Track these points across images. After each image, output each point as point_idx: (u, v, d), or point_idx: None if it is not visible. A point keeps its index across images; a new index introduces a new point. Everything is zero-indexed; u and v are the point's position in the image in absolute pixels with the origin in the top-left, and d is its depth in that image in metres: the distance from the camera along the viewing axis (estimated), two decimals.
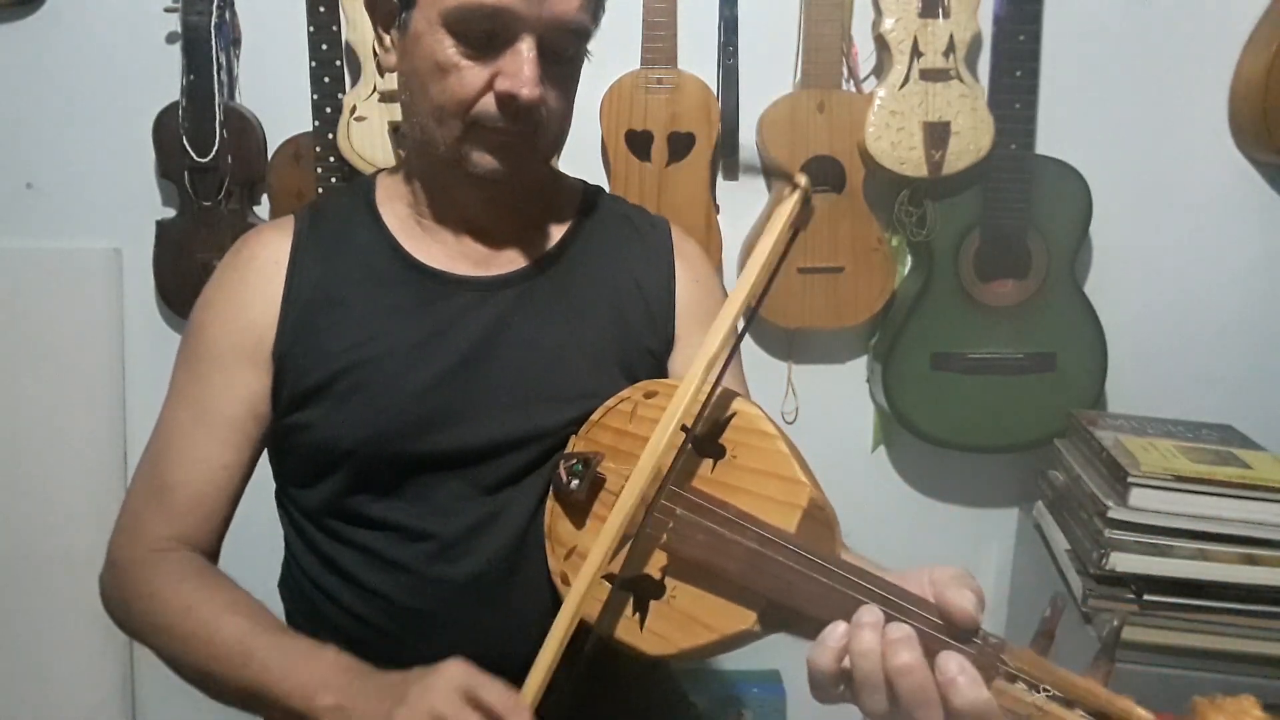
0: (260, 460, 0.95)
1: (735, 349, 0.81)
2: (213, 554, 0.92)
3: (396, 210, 0.95)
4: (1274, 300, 1.66)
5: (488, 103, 0.83)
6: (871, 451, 1.74)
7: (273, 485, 0.98)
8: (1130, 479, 1.27)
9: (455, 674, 0.70)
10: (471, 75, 0.82)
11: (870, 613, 0.63)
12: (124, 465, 1.69)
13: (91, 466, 1.67)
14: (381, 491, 0.88)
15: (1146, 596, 1.25)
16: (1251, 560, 1.25)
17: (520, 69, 0.81)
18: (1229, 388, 1.67)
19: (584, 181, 1.04)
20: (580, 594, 0.72)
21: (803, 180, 0.75)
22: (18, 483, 1.67)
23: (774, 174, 1.58)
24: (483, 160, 0.85)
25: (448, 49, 0.82)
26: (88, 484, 1.66)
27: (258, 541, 0.98)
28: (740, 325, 0.79)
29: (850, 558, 0.70)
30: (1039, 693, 0.57)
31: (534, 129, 0.85)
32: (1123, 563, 1.25)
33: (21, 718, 1.71)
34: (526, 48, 0.81)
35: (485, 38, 0.81)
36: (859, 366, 1.71)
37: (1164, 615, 1.25)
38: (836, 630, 0.64)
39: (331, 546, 0.90)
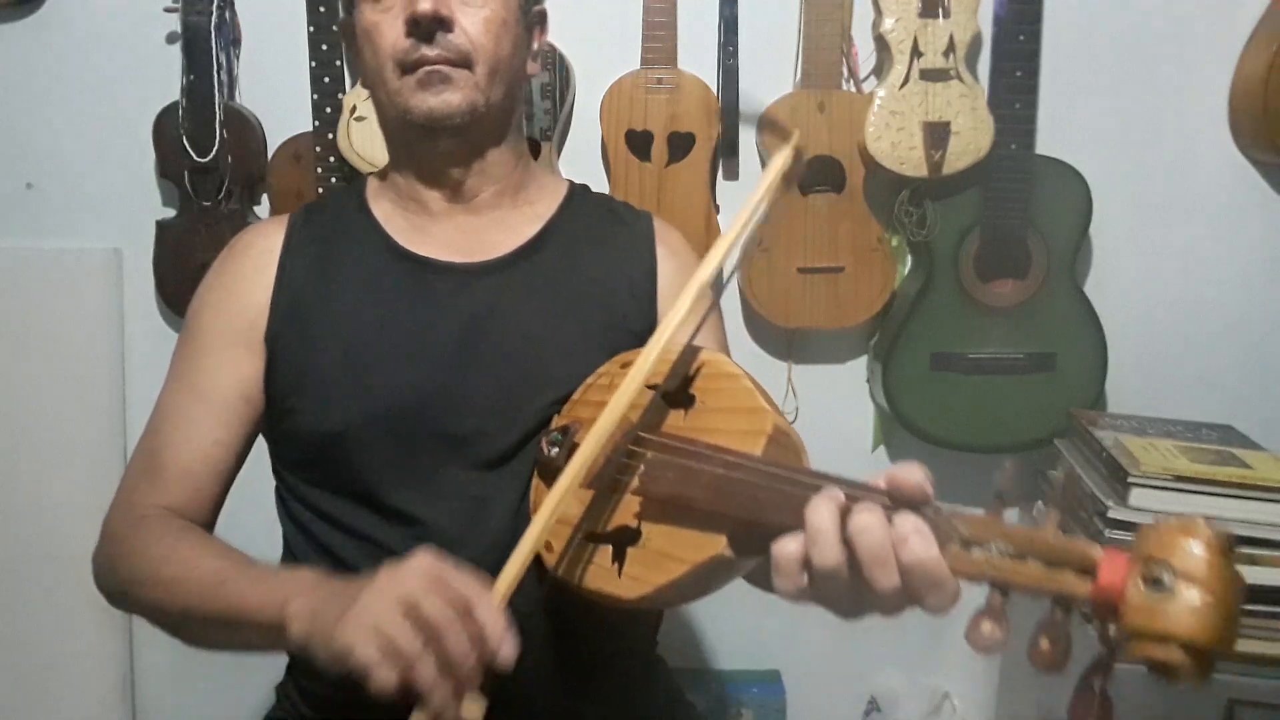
0: (262, 464, 0.97)
1: (715, 306, 0.88)
2: (206, 529, 0.93)
3: (384, 204, 0.99)
4: (1274, 300, 1.66)
5: (404, 40, 0.88)
6: (871, 451, 1.74)
7: (263, 491, 0.99)
8: (1130, 479, 1.27)
9: (425, 562, 0.71)
10: (388, 25, 0.88)
11: (832, 489, 0.64)
12: (124, 464, 1.67)
13: (91, 466, 1.67)
14: (371, 475, 0.90)
15: None
16: (1251, 560, 1.25)
17: None
18: (1229, 388, 1.66)
19: (570, 180, 1.07)
20: (555, 502, 0.72)
21: (796, 135, 0.82)
22: (18, 482, 1.67)
23: (767, 127, 1.56)
24: (421, 102, 0.89)
25: (368, 14, 0.89)
26: (88, 484, 1.65)
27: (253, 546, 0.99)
28: (718, 286, 0.84)
29: None
30: (991, 551, 0.57)
31: (457, 55, 0.88)
32: None
33: (21, 718, 1.71)
34: None
35: None
36: (859, 366, 1.71)
37: None
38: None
39: (325, 531, 0.92)
